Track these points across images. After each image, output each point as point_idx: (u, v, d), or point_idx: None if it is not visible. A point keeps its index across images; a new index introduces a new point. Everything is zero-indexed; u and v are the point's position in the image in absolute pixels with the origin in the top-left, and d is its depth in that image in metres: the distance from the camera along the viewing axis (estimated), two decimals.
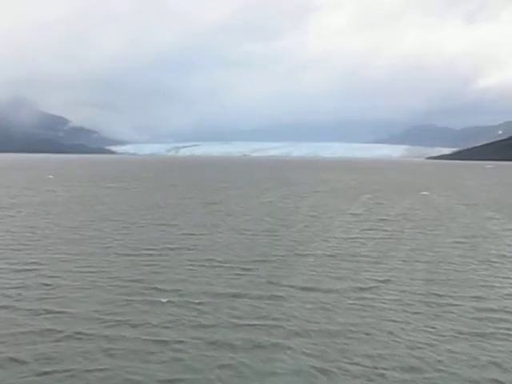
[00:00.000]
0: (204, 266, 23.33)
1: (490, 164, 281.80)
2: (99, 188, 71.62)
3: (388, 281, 20.97)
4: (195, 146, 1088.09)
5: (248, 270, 22.66)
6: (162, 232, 32.83)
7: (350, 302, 18.18)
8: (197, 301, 18.04)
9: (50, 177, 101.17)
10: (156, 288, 19.70)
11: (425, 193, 68.28)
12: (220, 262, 24.15)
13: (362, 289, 19.77)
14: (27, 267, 22.74)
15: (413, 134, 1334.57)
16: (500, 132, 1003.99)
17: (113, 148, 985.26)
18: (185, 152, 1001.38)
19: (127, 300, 18.27)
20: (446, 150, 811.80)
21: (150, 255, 25.65)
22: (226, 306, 17.55)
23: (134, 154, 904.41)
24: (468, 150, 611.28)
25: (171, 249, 27.18)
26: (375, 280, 21.06)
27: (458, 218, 41.08)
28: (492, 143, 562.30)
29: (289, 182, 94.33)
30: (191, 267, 23.02)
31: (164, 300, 18.11)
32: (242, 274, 21.80)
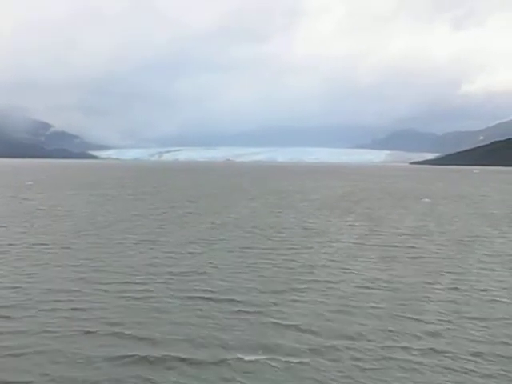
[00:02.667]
0: (193, 304, 18.11)
1: (476, 169, 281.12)
2: (79, 196, 66.25)
3: (436, 335, 15.47)
4: (178, 150, 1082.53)
5: (248, 312, 17.42)
6: (142, 251, 27.77)
7: (388, 368, 13.44)
8: (181, 365, 13.22)
9: (30, 183, 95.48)
10: (132, 339, 14.86)
11: (426, 200, 64.16)
12: (212, 297, 18.94)
13: (404, 347, 14.44)
14: None
15: (395, 139, 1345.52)
16: (481, 137, 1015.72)
17: (95, 153, 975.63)
18: (168, 157, 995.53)
19: (87, 356, 13.57)
20: (428, 155, 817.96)
21: (126, 285, 20.59)
22: (220, 376, 12.67)
23: (116, 158, 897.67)
24: (452, 155, 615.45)
25: (153, 276, 22.07)
26: (419, 333, 15.61)
27: (478, 235, 35.66)
28: (475, 148, 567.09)
29: (276, 189, 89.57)
30: (177, 305, 17.90)
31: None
32: (239, 319, 16.61)
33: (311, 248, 29.51)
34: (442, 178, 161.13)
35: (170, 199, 62.71)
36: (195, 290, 20.05)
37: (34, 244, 29.68)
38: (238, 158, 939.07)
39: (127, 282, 21.02)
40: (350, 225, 39.96)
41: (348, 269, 24.00)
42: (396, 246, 30.08)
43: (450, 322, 16.48)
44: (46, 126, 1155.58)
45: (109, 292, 19.61)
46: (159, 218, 43.14)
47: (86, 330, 15.54)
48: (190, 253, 27.56)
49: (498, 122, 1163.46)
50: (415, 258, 26.71)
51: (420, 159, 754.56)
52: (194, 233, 34.87)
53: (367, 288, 20.56)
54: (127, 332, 15.30)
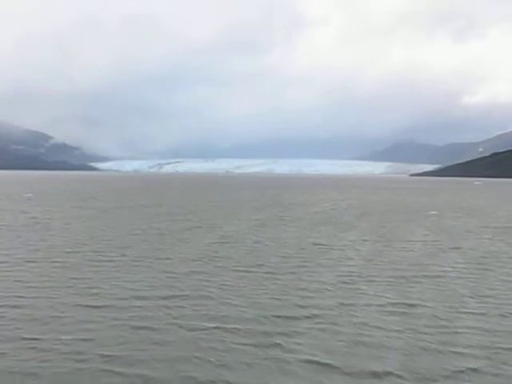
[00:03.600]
0: (194, 334, 16.20)
1: (478, 181, 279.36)
2: (77, 209, 64.37)
3: (476, 374, 13.52)
4: (178, 162, 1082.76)
5: (255, 344, 15.49)
6: (141, 270, 25.89)
7: None
8: None
9: (29, 195, 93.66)
10: (126, 377, 13.01)
11: (433, 212, 62.42)
12: (215, 326, 17.03)
13: None
14: None
15: (394, 150, 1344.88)
16: (481, 149, 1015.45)
17: (96, 165, 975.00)
18: (168, 169, 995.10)
19: None
20: (428, 167, 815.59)
21: (122, 311, 18.63)
22: None
23: (117, 170, 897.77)
24: (451, 166, 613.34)
25: (151, 300, 20.15)
26: (455, 370, 13.65)
27: (496, 250, 33.63)
28: (475, 160, 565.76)
29: (277, 201, 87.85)
30: (176, 336, 16.04)
31: None
32: (246, 352, 14.65)
33: (320, 266, 27.69)
34: (445, 190, 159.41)
35: (171, 212, 60.91)
36: (197, 316, 18.25)
37: (24, 261, 27.88)
38: (237, 170, 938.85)
39: (123, 308, 19.19)
40: (357, 240, 38.13)
41: (362, 290, 22.16)
42: (410, 264, 28.19)
43: (488, 357, 14.55)
44: (47, 137, 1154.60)
45: (103, 319, 17.80)
46: (159, 233, 41.37)
47: (77, 367, 13.74)
48: (191, 272, 25.74)
49: (497, 133, 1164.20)
50: (433, 277, 24.83)
51: (419, 171, 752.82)
52: (195, 249, 33.07)
53: (386, 313, 18.72)
54: (121, 369, 13.48)
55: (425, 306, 19.59)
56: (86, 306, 19.37)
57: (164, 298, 20.51)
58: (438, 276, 25.09)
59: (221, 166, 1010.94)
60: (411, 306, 19.66)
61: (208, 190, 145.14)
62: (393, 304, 19.84)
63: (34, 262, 27.95)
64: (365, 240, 38.13)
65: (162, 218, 54.08)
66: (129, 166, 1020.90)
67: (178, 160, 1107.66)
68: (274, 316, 18.26)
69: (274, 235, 40.38)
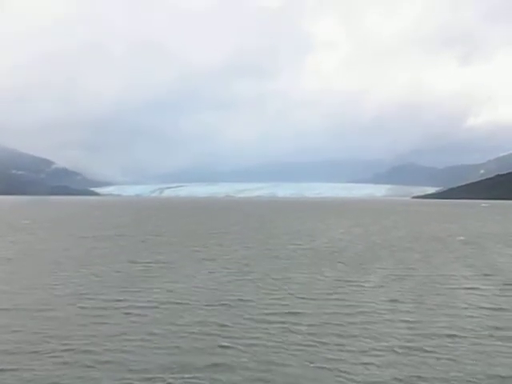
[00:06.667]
0: None
1: (485, 203, 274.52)
2: (73, 238, 59.53)
3: None
4: (180, 186, 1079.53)
5: None
6: (139, 320, 21.05)
7: None
8: None
9: (26, 222, 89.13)
10: None
11: (461, 238, 57.55)
12: None
13: None
14: None
15: (396, 173, 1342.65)
16: (482, 171, 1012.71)
17: (97, 189, 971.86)
18: (169, 193, 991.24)
19: None
20: (429, 189, 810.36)
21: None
22: None
23: (118, 195, 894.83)
24: (454, 188, 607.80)
25: (152, 370, 15.35)
26: None
27: None
28: (478, 182, 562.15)
29: (285, 229, 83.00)
30: None
31: None
32: None
33: (359, 313, 22.61)
34: (456, 213, 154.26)
35: (172, 242, 55.85)
36: None
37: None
38: (239, 194, 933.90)
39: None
40: (391, 275, 32.97)
41: (427, 359, 16.94)
42: (477, 317, 22.72)
43: None
44: (48, 163, 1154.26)
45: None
46: (161, 267, 36.32)
47: None
48: (203, 326, 20.67)
49: (498, 155, 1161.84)
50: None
51: (421, 193, 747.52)
52: (204, 289, 28.03)
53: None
54: None
55: None
56: (68, 371, 14.36)
57: (173, 370, 15.48)
58: None
59: (222, 189, 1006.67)
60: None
61: (209, 216, 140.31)
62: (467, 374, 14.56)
63: (9, 310, 22.98)
64: (399, 274, 32.97)
65: (165, 248, 49.01)
66: (130, 190, 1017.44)
67: (179, 184, 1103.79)
68: None
69: (292, 271, 35.20)
